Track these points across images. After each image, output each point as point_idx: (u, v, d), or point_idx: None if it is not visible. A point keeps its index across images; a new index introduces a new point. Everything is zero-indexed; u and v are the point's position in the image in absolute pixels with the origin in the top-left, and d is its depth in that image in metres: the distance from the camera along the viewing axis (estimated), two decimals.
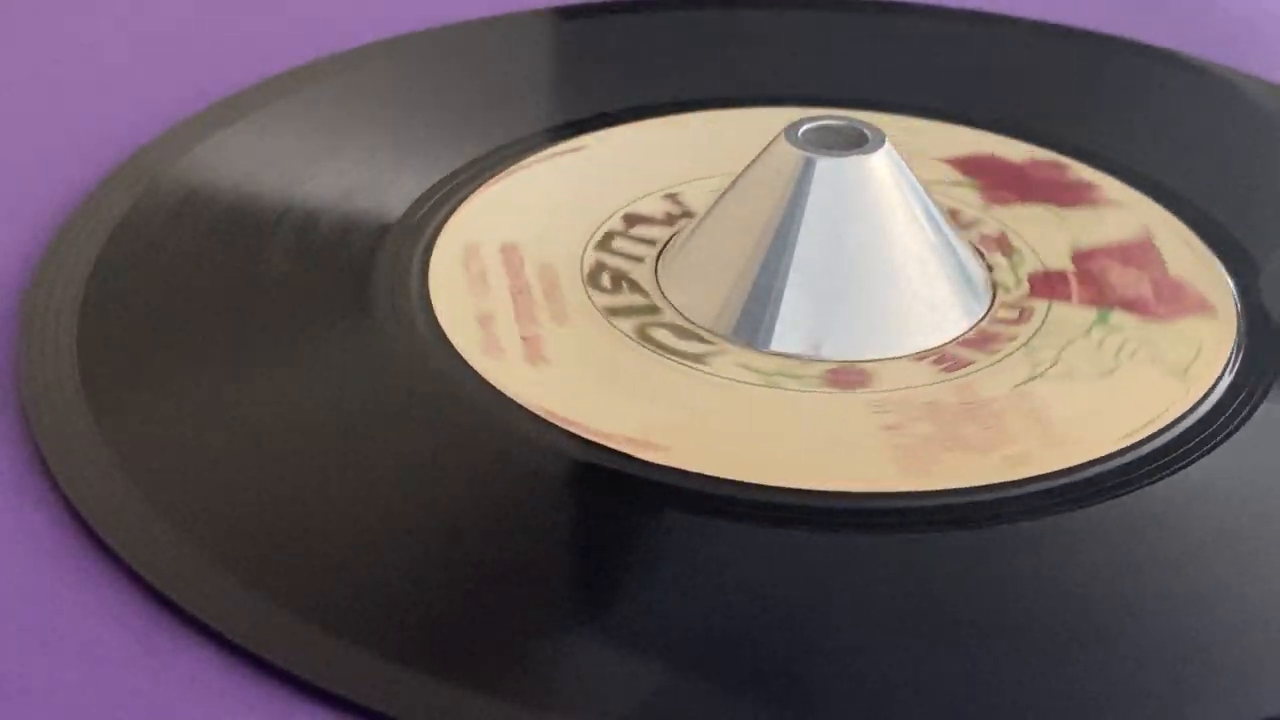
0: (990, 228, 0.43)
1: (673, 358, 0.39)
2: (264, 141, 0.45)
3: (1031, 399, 0.38)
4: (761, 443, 0.37)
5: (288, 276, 0.40)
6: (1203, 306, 0.41)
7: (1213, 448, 0.37)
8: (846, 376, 0.38)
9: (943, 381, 0.38)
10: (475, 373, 0.38)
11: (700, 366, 0.38)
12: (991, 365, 0.39)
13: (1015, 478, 0.36)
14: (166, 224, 0.42)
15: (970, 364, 0.39)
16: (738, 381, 0.38)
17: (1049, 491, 0.36)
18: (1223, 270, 0.42)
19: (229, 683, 0.32)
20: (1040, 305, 0.41)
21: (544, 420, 0.36)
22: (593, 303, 0.40)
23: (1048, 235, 0.43)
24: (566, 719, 0.31)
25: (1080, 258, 0.42)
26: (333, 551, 0.34)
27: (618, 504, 0.35)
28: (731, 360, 0.39)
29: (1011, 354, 0.39)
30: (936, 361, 0.39)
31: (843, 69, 0.50)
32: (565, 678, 0.32)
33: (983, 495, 0.36)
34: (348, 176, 0.44)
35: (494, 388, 0.37)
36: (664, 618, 0.33)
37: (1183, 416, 0.38)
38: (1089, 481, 0.36)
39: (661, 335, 0.39)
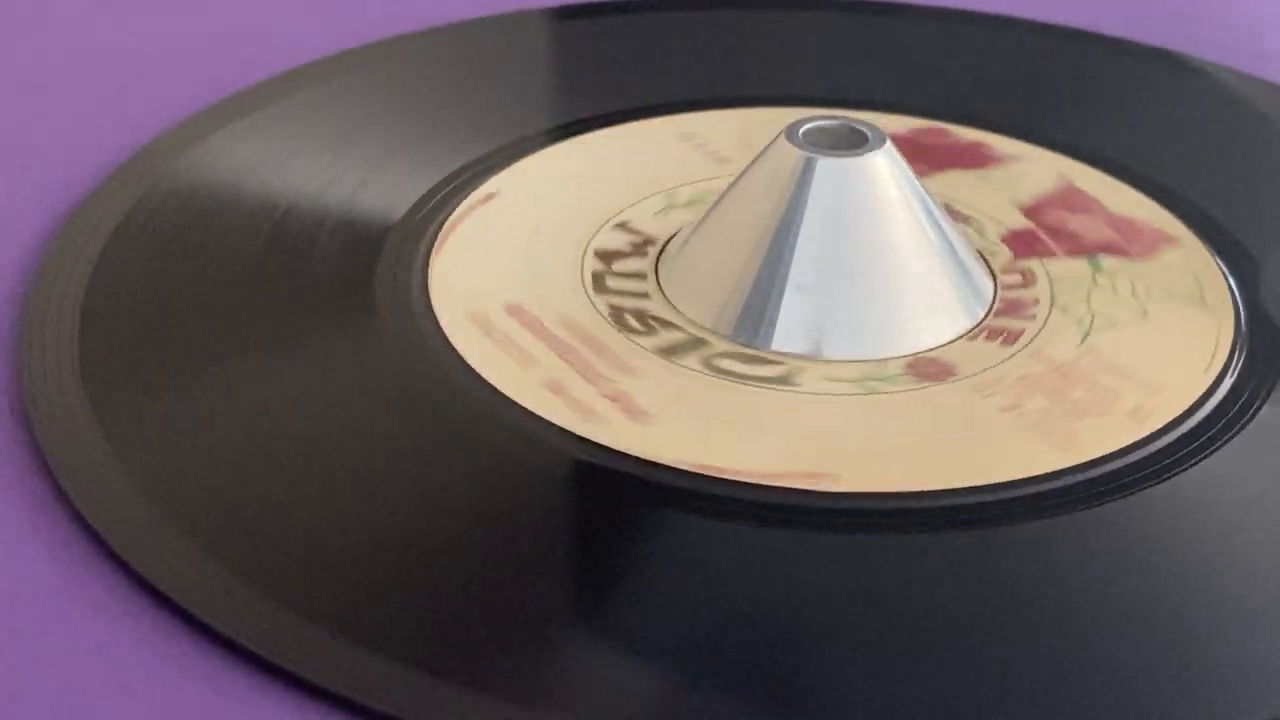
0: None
1: (760, 384, 0.38)
2: (265, 142, 0.45)
3: (1102, 353, 0.39)
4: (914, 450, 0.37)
5: (290, 277, 0.40)
6: (1165, 239, 0.42)
7: (1214, 450, 0.37)
8: (928, 369, 0.38)
9: (1015, 355, 0.39)
10: (476, 373, 0.38)
11: (792, 388, 0.38)
12: (1043, 330, 0.39)
13: (1146, 433, 0.37)
14: (168, 224, 0.42)
15: (1023, 332, 0.39)
16: (836, 395, 0.38)
17: (1047, 493, 0.36)
18: (1223, 270, 0.42)
19: (229, 680, 0.32)
20: (1034, 264, 0.41)
21: (543, 420, 0.36)
22: (641, 346, 0.39)
23: (984, 197, 0.43)
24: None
25: (1031, 212, 0.43)
26: (335, 552, 0.34)
27: (619, 502, 0.35)
28: (813, 375, 0.38)
29: (1050, 316, 0.40)
30: (991, 337, 0.39)
31: (843, 69, 0.50)
32: (571, 679, 0.32)
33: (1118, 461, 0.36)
34: (349, 177, 0.44)
35: (493, 387, 0.37)
36: (681, 621, 0.33)
37: (1183, 417, 0.38)
38: (1089, 483, 0.36)
39: (729, 364, 0.38)
